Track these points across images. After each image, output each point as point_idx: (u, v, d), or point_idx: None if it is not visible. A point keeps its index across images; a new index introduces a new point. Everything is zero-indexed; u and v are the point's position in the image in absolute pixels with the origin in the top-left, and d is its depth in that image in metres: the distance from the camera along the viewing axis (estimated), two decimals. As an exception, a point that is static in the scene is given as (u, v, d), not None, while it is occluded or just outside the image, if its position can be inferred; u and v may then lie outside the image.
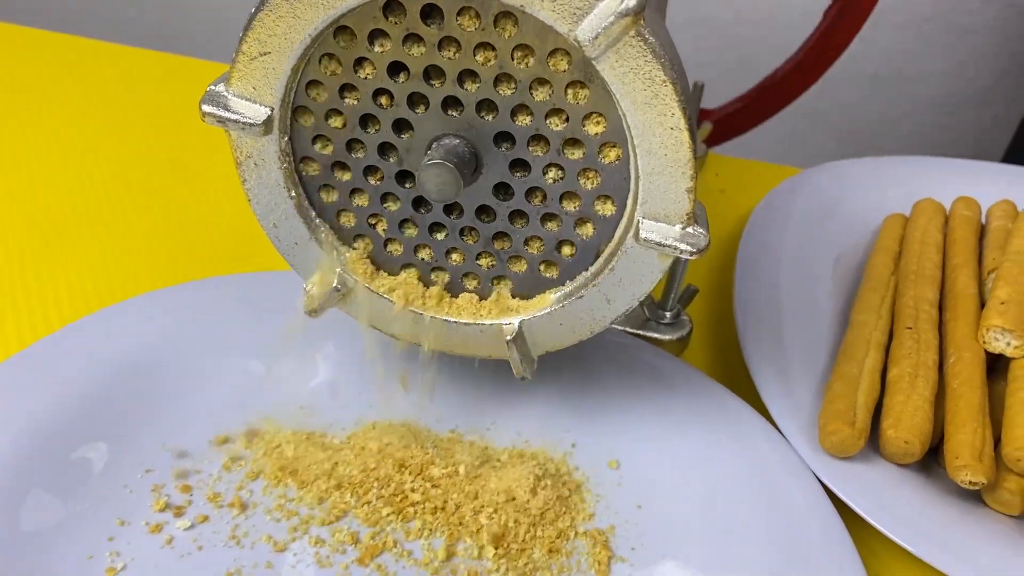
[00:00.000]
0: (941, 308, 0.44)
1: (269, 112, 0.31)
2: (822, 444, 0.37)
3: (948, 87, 1.20)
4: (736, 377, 0.43)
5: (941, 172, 0.55)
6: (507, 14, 0.29)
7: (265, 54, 0.30)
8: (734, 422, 0.38)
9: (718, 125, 0.64)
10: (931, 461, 0.39)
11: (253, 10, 0.30)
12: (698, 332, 0.47)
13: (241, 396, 0.39)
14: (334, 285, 0.35)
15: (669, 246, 0.30)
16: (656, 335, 0.44)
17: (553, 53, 0.29)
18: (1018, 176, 0.56)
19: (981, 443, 0.36)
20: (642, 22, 0.27)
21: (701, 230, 0.31)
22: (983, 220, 0.51)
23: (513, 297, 0.35)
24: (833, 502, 0.35)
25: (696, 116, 0.58)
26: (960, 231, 0.48)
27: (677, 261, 0.42)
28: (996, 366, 0.41)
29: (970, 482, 0.35)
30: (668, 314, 0.44)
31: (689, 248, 0.30)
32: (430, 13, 0.29)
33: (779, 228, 0.50)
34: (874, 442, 0.38)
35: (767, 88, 0.62)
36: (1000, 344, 0.39)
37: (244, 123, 0.31)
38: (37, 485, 0.34)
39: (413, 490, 0.36)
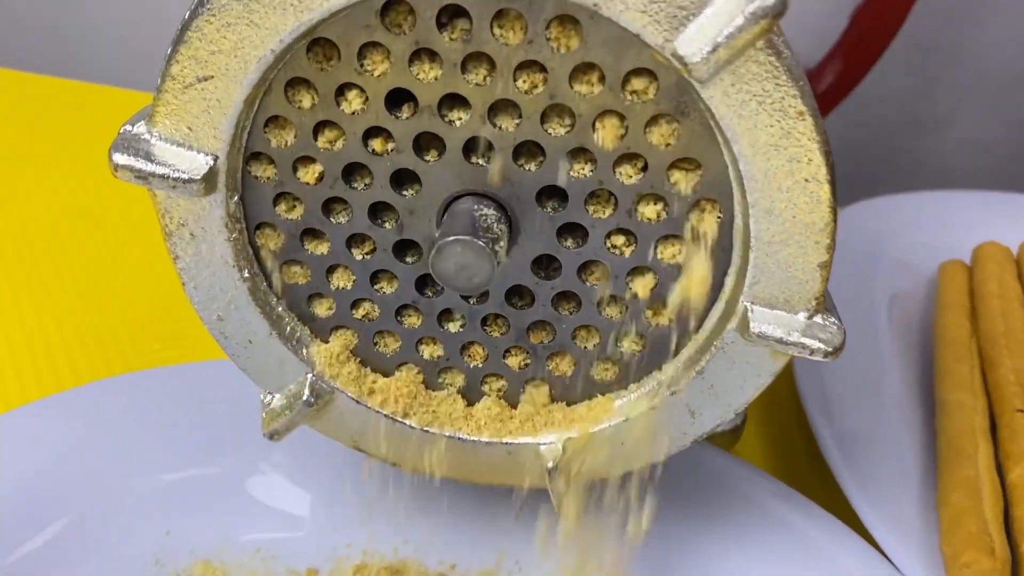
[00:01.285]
0: (1043, 381, 0.36)
1: (211, 162, 0.22)
2: (950, 577, 0.28)
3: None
4: (802, 470, 0.35)
5: (1000, 208, 0.48)
6: (567, 19, 0.20)
7: (206, 79, 0.21)
8: (830, 551, 0.30)
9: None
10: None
11: (187, 14, 0.20)
12: (753, 420, 0.38)
13: (175, 539, 0.29)
14: (304, 397, 0.25)
15: (792, 343, 0.22)
16: (703, 425, 0.35)
17: (633, 75, 0.20)
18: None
19: None
20: (777, 29, 0.18)
21: (834, 320, 0.22)
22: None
23: (555, 406, 0.25)
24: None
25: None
26: (1041, 282, 0.41)
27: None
28: None
29: None
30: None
31: (821, 346, 0.21)
32: (450, 19, 0.20)
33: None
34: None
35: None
36: None
37: (175, 179, 0.21)
38: None
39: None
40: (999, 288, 0.40)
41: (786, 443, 0.38)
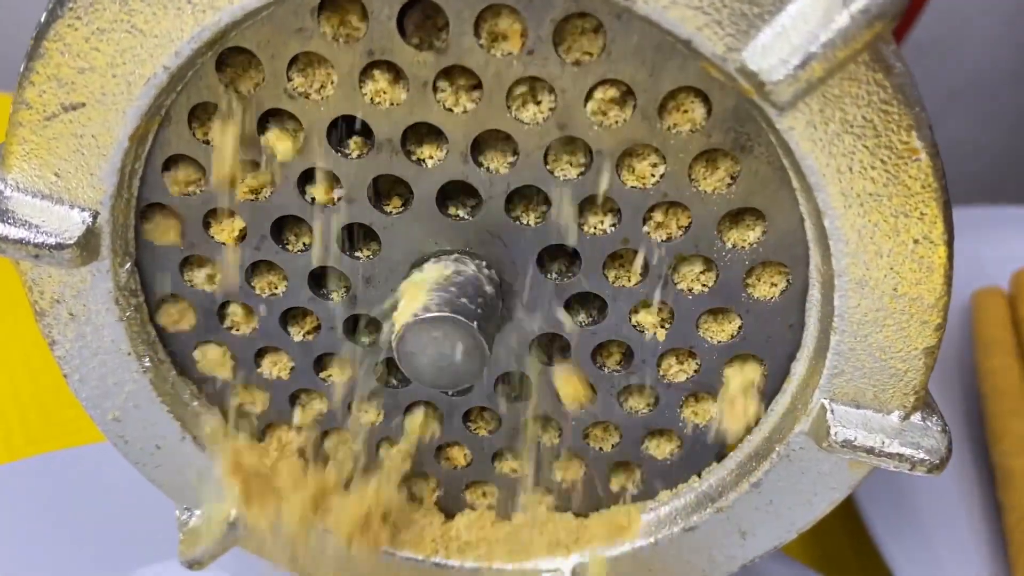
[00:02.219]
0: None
1: (89, 220, 0.16)
2: None
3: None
4: (837, 543, 0.29)
5: (993, 223, 0.43)
6: (583, 21, 0.14)
7: (74, 107, 0.15)
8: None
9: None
10: None
11: (43, 17, 0.14)
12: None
13: None
14: (231, 517, 0.19)
15: (887, 453, 0.16)
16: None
17: (674, 96, 0.14)
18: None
19: None
20: (887, 35, 0.13)
21: (937, 420, 0.16)
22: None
23: (561, 521, 0.20)
24: None
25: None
26: (1095, 316, 0.36)
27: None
28: None
29: None
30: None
31: (925, 457, 0.16)
32: (421, 20, 0.14)
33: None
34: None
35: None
36: None
37: (39, 244, 0.15)
38: None
39: None
40: (1050, 324, 0.35)
41: (828, 533, 0.32)
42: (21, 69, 0.15)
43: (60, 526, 0.26)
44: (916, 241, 0.14)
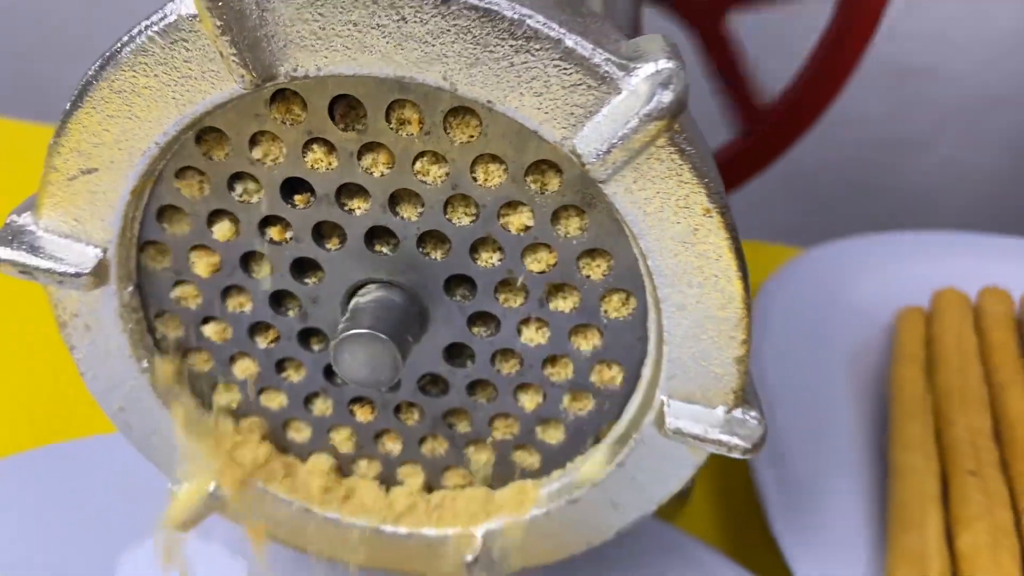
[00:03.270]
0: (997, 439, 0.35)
1: (101, 254, 0.21)
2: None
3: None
4: (753, 547, 0.34)
5: (960, 249, 0.47)
6: (464, 110, 0.19)
7: (89, 172, 0.20)
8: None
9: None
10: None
11: (68, 107, 0.19)
12: (702, 485, 0.37)
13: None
14: (211, 489, 0.24)
15: (710, 440, 0.21)
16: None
17: (535, 167, 0.19)
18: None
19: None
20: (677, 127, 0.17)
21: (755, 414, 0.21)
22: (1017, 313, 0.42)
23: (474, 495, 0.24)
24: None
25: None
26: (996, 334, 0.40)
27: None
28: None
29: None
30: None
31: (740, 443, 0.20)
32: (344, 105, 0.19)
33: (779, 334, 0.41)
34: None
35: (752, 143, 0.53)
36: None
37: (62, 273, 0.20)
38: None
39: None
40: (957, 341, 0.40)
41: (735, 508, 0.37)
42: (51, 143, 0.20)
43: (55, 513, 0.30)
44: (716, 276, 0.19)
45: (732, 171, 0.52)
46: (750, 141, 0.52)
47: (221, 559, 0.30)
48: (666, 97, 0.17)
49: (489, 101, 0.18)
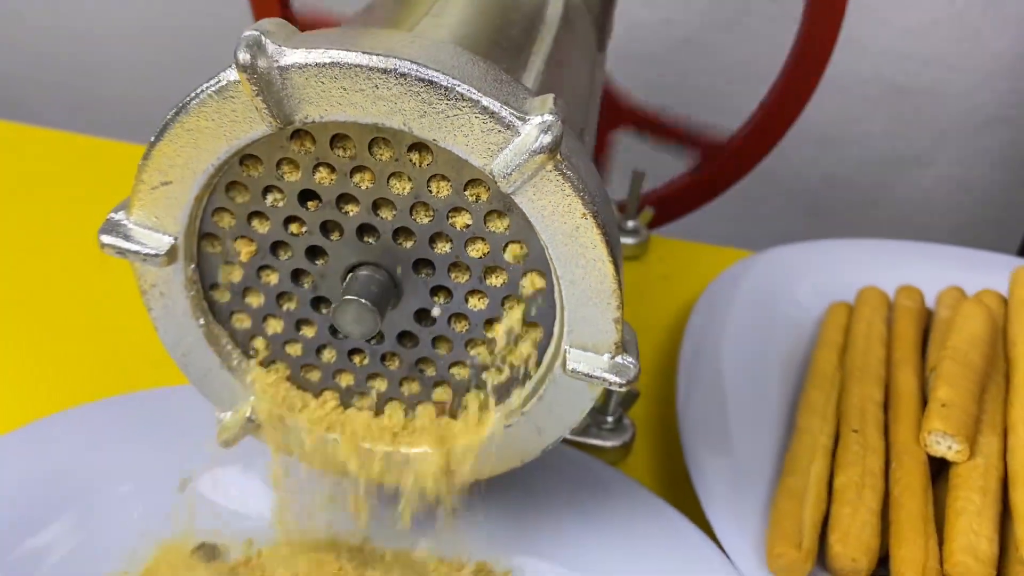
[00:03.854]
0: (886, 408, 0.43)
1: (173, 241, 0.30)
2: (770, 568, 0.35)
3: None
4: (683, 486, 0.42)
5: (887, 255, 0.55)
6: (421, 145, 0.27)
7: (166, 184, 0.29)
8: (679, 544, 0.37)
9: (667, 202, 0.63)
10: (882, 572, 0.37)
11: (152, 139, 0.28)
12: (641, 436, 0.45)
13: (143, 528, 0.37)
14: (247, 415, 0.33)
15: (597, 377, 0.29)
16: (598, 442, 0.43)
17: (471, 183, 0.28)
18: (966, 259, 0.56)
19: (924, 556, 0.35)
20: (559, 158, 0.26)
21: (631, 359, 0.29)
22: (933, 307, 0.50)
23: (440, 423, 0.33)
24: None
25: (636, 205, 0.58)
26: (902, 324, 0.47)
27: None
28: (944, 470, 0.39)
29: (918, 605, 0.34)
30: (610, 419, 0.43)
31: (618, 380, 0.29)
32: (340, 140, 0.28)
33: (721, 322, 0.49)
34: (824, 553, 0.37)
35: (719, 158, 0.62)
36: (941, 448, 0.38)
37: (146, 254, 0.29)
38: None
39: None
40: (867, 328, 0.47)
41: (671, 463, 0.45)
42: (140, 163, 0.29)
43: (144, 445, 0.40)
44: (594, 260, 0.27)
45: (690, 197, 0.61)
46: (702, 174, 0.61)
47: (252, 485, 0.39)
48: (546, 139, 0.25)
49: (435, 139, 0.26)
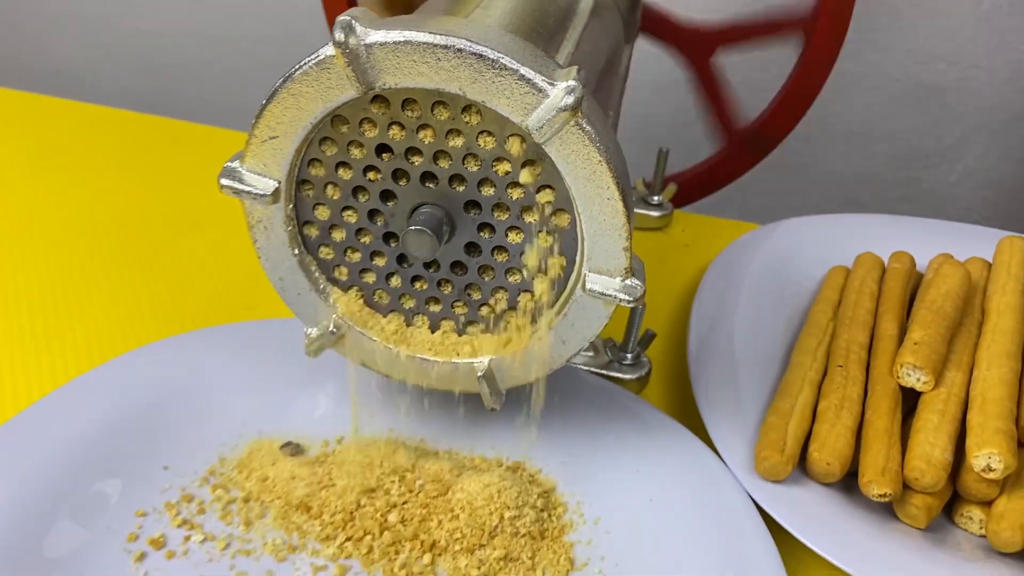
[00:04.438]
0: (871, 351, 0.49)
1: (277, 185, 0.37)
2: (756, 470, 0.42)
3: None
4: (689, 412, 0.49)
5: (884, 227, 0.61)
6: (472, 106, 0.35)
7: (274, 138, 0.37)
8: (685, 453, 0.44)
9: (691, 183, 0.70)
10: (853, 483, 0.44)
11: (264, 101, 0.36)
12: (657, 372, 0.52)
13: (241, 428, 0.45)
14: (330, 329, 0.41)
15: (610, 295, 0.36)
16: (618, 375, 0.50)
17: (510, 137, 0.35)
18: (958, 233, 0.62)
19: (885, 461, 0.41)
20: (580, 115, 0.33)
21: (637, 281, 0.36)
22: (923, 271, 0.56)
23: (485, 338, 0.41)
24: (766, 518, 0.41)
25: (661, 181, 0.65)
26: (892, 282, 0.54)
27: (635, 309, 0.48)
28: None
29: (877, 495, 0.40)
30: (629, 356, 0.50)
31: (627, 297, 0.36)
32: (409, 104, 0.36)
33: (734, 278, 0.56)
34: (805, 463, 0.44)
35: (735, 147, 0.68)
36: (912, 379, 0.44)
37: (255, 194, 0.37)
38: (60, 516, 0.39)
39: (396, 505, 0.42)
40: (859, 285, 0.54)
41: (681, 395, 0.52)
42: (253, 121, 0.37)
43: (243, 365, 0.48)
44: (608, 199, 0.35)
45: (711, 180, 0.68)
46: (727, 156, 0.68)
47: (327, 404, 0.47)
48: (569, 100, 0.32)
49: (483, 101, 0.34)
